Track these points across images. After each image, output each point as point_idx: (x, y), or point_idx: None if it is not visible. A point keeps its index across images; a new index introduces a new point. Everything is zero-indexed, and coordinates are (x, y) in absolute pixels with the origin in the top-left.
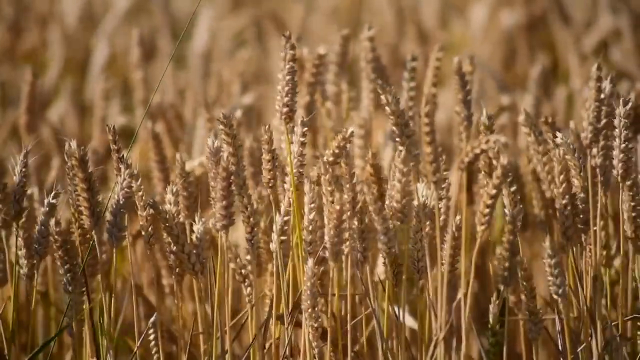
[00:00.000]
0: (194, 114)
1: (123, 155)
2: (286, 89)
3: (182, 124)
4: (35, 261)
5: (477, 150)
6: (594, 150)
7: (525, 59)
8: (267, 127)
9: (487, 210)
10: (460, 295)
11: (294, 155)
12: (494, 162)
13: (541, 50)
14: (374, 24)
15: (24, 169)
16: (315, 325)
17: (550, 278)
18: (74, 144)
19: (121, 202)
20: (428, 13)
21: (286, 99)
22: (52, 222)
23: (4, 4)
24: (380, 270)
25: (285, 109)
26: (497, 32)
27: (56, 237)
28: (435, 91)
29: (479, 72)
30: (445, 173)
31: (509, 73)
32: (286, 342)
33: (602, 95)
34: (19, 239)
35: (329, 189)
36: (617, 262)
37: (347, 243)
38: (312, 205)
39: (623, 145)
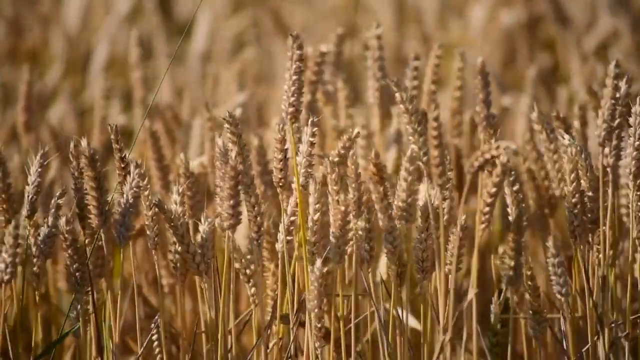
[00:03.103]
0: (191, 114)
1: (125, 155)
2: (292, 88)
3: (179, 123)
4: (40, 261)
5: (487, 156)
6: (606, 150)
7: (524, 59)
8: (280, 126)
9: (487, 209)
10: (468, 299)
11: (302, 155)
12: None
13: (541, 50)
14: (374, 24)
15: (39, 169)
16: (319, 325)
17: (553, 277)
18: (84, 142)
19: (130, 201)
20: (427, 13)
21: (292, 98)
22: (62, 220)
23: (5, 3)
24: (382, 269)
25: (291, 109)
26: (497, 32)
27: (66, 235)
28: (435, 89)
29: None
30: (450, 173)
31: (508, 73)
32: (290, 342)
33: (618, 94)
34: (31, 238)
35: (335, 188)
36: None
37: (351, 243)
38: (317, 205)
39: (637, 142)
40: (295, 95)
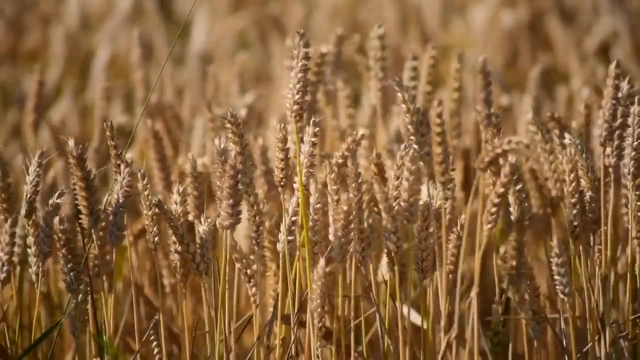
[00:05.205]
0: (192, 114)
1: (121, 153)
2: (298, 86)
3: (180, 123)
4: (41, 261)
5: (499, 150)
6: (607, 150)
7: (526, 59)
8: (282, 125)
9: (494, 209)
10: (470, 298)
11: (304, 155)
12: (501, 161)
13: (542, 50)
14: (375, 24)
15: (37, 169)
16: (320, 325)
17: (556, 277)
18: (72, 142)
19: (121, 201)
20: (429, 13)
21: (297, 96)
22: (56, 220)
23: (5, 3)
24: (383, 269)
25: (295, 107)
26: (498, 32)
27: (60, 235)
28: (430, 89)
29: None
30: (452, 173)
31: (510, 73)
32: (291, 342)
33: (620, 94)
34: (30, 237)
35: (334, 188)
36: (622, 262)
37: (352, 243)
38: (318, 205)
39: (636, 143)
40: (300, 93)
